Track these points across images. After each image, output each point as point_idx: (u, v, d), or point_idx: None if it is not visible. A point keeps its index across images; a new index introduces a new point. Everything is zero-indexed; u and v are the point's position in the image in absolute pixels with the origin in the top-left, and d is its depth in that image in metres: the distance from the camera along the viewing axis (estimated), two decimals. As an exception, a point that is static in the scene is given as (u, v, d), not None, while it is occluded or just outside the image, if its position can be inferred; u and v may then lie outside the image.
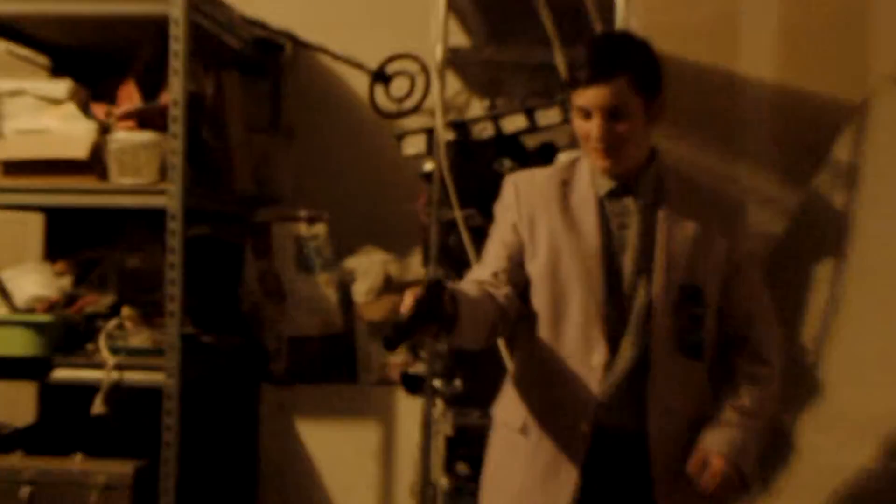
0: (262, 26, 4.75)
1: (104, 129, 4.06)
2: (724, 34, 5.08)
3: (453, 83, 4.90)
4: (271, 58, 4.96)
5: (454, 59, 4.10)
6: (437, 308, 2.74)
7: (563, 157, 3.33)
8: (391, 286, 4.61)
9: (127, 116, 4.08)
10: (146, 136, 4.00)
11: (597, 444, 3.11)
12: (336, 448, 4.55)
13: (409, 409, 4.41)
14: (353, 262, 4.72)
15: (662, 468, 3.09)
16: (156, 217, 4.02)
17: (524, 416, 3.20)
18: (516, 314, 3.19)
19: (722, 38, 5.08)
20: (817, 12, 5.01)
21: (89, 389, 3.99)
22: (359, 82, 4.97)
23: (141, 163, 3.98)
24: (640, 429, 3.09)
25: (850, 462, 4.08)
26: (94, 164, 4.03)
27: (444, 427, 4.06)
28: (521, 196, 3.24)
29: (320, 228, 4.65)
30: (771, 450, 4.16)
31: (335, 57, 4.93)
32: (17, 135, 4.09)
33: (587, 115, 3.03)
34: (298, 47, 5.05)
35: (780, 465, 4.25)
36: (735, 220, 3.21)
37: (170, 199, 3.96)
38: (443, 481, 4.09)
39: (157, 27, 3.99)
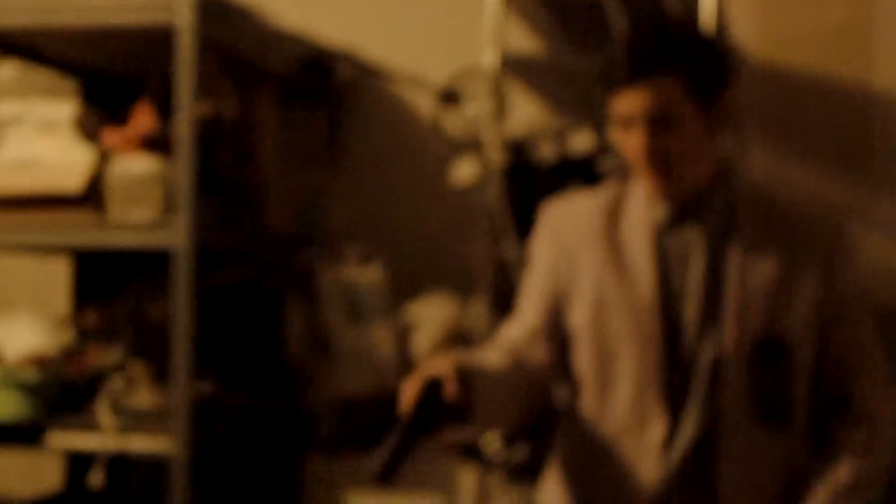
0: (309, 45, 4.26)
1: (105, 157, 3.61)
2: (855, 40, 4.47)
3: (533, 103, 4.38)
4: (326, 82, 4.46)
5: (516, 68, 3.55)
6: (435, 413, 2.32)
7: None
8: (457, 338, 4.09)
9: (129, 142, 3.62)
10: (150, 163, 3.55)
11: None
12: (391, 526, 4.02)
13: (473, 481, 3.83)
14: (414, 311, 4.21)
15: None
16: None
17: (567, 502, 2.69)
18: (555, 380, 2.70)
19: (853, 45, 4.47)
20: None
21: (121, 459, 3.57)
22: (426, 105, 4.43)
23: (143, 195, 3.53)
24: (711, 518, 2.54)
25: None
26: (91, 197, 3.57)
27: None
28: (559, 230, 2.77)
29: (374, 271, 4.16)
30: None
31: (391, 77, 4.43)
32: (5, 167, 3.66)
33: (629, 125, 2.54)
34: (356, 70, 4.57)
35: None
36: (833, 251, 2.66)
37: (176, 237, 3.49)
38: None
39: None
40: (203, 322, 3.85)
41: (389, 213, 4.61)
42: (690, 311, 2.60)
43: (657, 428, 2.57)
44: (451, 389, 2.32)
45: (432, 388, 2.31)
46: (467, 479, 3.77)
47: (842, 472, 2.56)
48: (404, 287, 4.30)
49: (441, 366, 2.36)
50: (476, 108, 4.20)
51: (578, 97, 4.24)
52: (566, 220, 2.74)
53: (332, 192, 4.51)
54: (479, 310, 4.06)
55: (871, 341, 2.68)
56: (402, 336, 4.17)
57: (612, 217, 2.69)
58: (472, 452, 3.64)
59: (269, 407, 4.03)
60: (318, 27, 4.36)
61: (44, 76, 4.28)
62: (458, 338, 4.10)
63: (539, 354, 2.66)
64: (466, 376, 2.36)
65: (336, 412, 4.05)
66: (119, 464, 3.64)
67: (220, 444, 3.81)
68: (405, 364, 4.14)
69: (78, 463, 4.23)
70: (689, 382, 2.58)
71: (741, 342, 2.56)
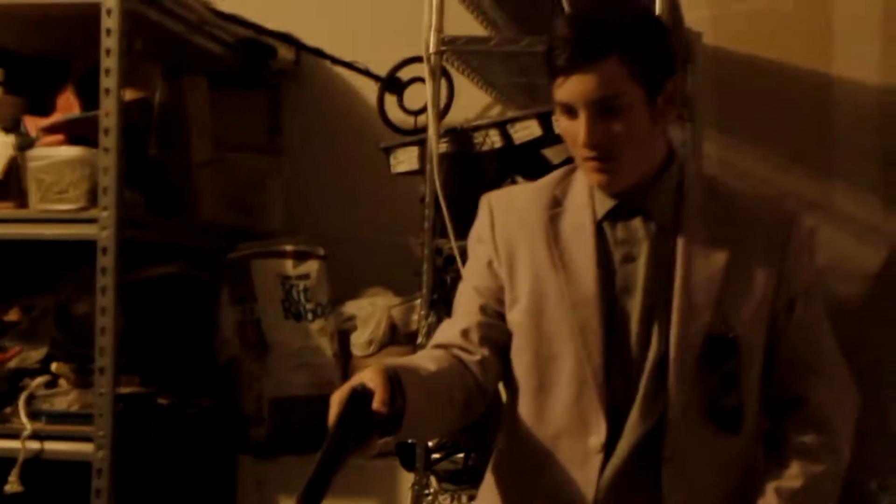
0: (248, 25, 4.11)
1: (25, 145, 3.46)
2: (814, 28, 4.36)
3: (479, 95, 4.24)
4: (265, 65, 4.31)
5: (454, 49, 3.41)
6: (363, 425, 2.11)
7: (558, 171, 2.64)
8: (397, 336, 3.95)
9: (53, 129, 3.47)
10: (72, 152, 3.41)
11: None
12: (327, 532, 3.86)
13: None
14: (354, 307, 4.08)
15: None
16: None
17: None
18: (497, 381, 2.54)
19: (812, 33, 4.35)
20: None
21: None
22: (369, 93, 4.28)
23: (66, 185, 3.37)
24: (655, 528, 2.40)
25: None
26: (11, 187, 3.43)
27: (437, 510, 3.40)
28: (498, 222, 2.59)
29: (312, 266, 4.01)
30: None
31: (336, 62, 4.29)
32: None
33: (572, 112, 2.36)
34: (299, 54, 4.42)
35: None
36: (786, 240, 2.48)
37: (101, 229, 3.35)
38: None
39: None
40: (130, 319, 3.72)
41: (330, 203, 4.46)
42: (635, 307, 2.43)
43: (598, 431, 2.40)
44: (379, 400, 2.12)
45: (359, 399, 2.16)
46: (405, 484, 3.61)
47: (794, 477, 2.41)
48: (343, 283, 4.16)
49: (370, 377, 2.20)
50: (419, 95, 4.08)
51: (522, 84, 4.13)
52: (505, 211, 2.59)
53: (270, 183, 4.35)
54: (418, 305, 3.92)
55: (826, 339, 2.53)
56: (343, 334, 4.03)
57: (554, 208, 2.54)
58: (409, 458, 3.49)
59: (200, 407, 3.88)
60: (257, 12, 4.21)
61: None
62: (400, 337, 3.97)
63: (475, 358, 2.51)
64: (398, 385, 2.18)
65: (272, 413, 3.90)
66: (41, 466, 3.49)
67: (147, 446, 3.65)
68: (345, 363, 4.00)
69: None
70: (633, 382, 2.42)
71: (688, 339, 2.39)
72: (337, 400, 2.12)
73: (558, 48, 2.32)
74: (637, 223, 2.46)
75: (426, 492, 3.39)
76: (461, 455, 3.43)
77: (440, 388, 2.35)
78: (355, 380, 2.17)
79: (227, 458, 3.93)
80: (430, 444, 3.40)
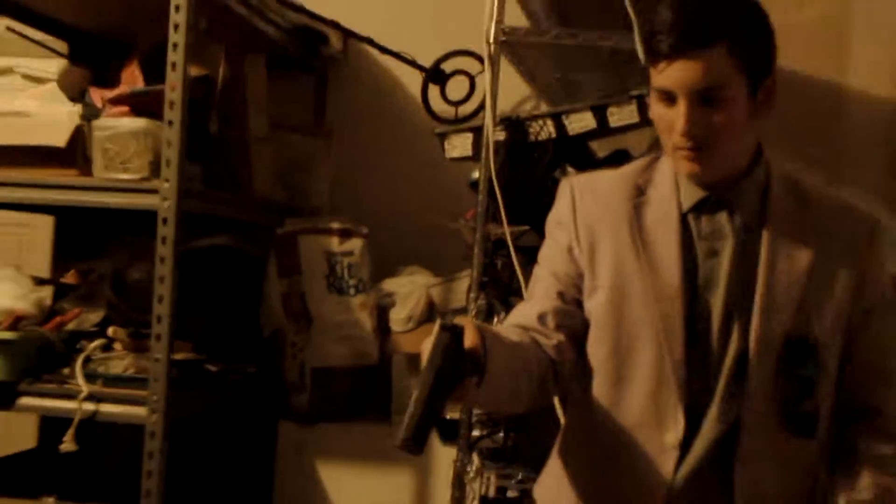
0: (303, 11, 3.72)
1: (91, 115, 3.06)
2: (830, 41, 4.01)
3: (517, 87, 3.85)
4: (316, 51, 3.91)
5: (511, 40, 3.04)
6: (458, 364, 1.81)
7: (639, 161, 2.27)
8: (434, 314, 3.57)
9: (119, 101, 3.09)
10: (137, 123, 3.02)
11: None
12: (362, 498, 3.50)
13: (447, 459, 3.28)
14: (393, 285, 3.72)
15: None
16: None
17: (570, 501, 2.18)
18: (572, 368, 2.17)
19: (827, 46, 4.00)
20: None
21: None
22: (413, 81, 3.89)
23: (130, 155, 2.98)
24: (724, 526, 2.04)
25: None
26: (76, 154, 3.03)
27: (478, 487, 3.01)
28: (580, 209, 2.22)
29: (356, 244, 3.64)
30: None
31: (384, 51, 3.90)
32: (-8, 117, 3.11)
33: (670, 99, 2.00)
34: (346, 42, 4.03)
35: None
36: (868, 247, 2.13)
37: (162, 200, 2.97)
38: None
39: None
40: (184, 286, 3.34)
41: (373, 185, 4.09)
42: (716, 303, 2.08)
43: (675, 426, 2.05)
44: (470, 336, 1.82)
45: (453, 332, 1.81)
46: (445, 458, 3.23)
47: (865, 489, 2.05)
48: (384, 261, 3.79)
49: (461, 320, 1.86)
50: (461, 86, 3.70)
51: (560, 79, 3.77)
52: (588, 197, 2.21)
53: (318, 163, 3.95)
54: (460, 287, 3.55)
55: None
56: (382, 309, 3.66)
57: (638, 198, 2.17)
58: (450, 433, 3.11)
59: (245, 374, 3.50)
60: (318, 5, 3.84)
61: (33, 34, 3.71)
62: (437, 314, 3.59)
63: (552, 342, 2.13)
64: (485, 336, 1.87)
65: (313, 382, 3.52)
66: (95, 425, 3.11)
67: (196, 411, 3.27)
68: (383, 337, 3.62)
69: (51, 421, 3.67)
70: (712, 379, 2.07)
71: (768, 339, 2.04)
72: (427, 341, 1.81)
73: (662, 32, 1.97)
74: (723, 218, 2.11)
75: (468, 469, 3.01)
76: (501, 434, 3.05)
77: (519, 357, 2.03)
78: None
79: (270, 423, 3.56)
80: (472, 421, 3.04)
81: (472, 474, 3.01)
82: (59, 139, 3.01)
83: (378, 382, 3.62)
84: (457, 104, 3.75)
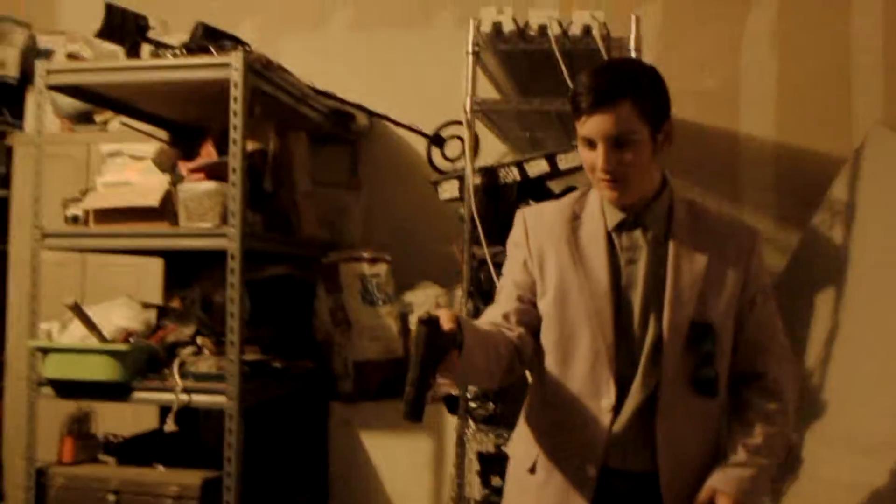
0: (335, 98, 3.61)
1: (176, 181, 2.97)
2: (727, 98, 3.90)
3: (496, 145, 3.73)
4: (347, 127, 3.81)
5: (483, 109, 2.95)
6: (439, 344, 1.73)
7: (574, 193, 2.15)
8: (443, 316, 3.44)
9: (197, 170, 3.00)
10: (210, 185, 2.93)
11: (605, 487, 1.96)
12: (395, 459, 3.39)
13: (453, 426, 3.11)
14: (411, 296, 3.61)
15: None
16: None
17: (534, 454, 2.06)
18: (531, 353, 2.05)
19: (725, 102, 3.89)
20: (809, 78, 3.82)
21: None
22: (421, 145, 3.76)
23: (205, 209, 2.90)
24: (652, 470, 1.94)
25: (854, 479, 2.79)
26: (166, 211, 2.96)
27: (475, 444, 2.89)
28: (531, 231, 2.10)
29: (382, 267, 3.52)
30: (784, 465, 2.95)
31: (397, 124, 3.80)
32: (104, 187, 3.02)
33: (592, 144, 1.91)
34: (371, 119, 3.92)
35: (787, 474, 2.97)
36: (750, 251, 2.03)
37: (229, 242, 2.87)
38: (476, 495, 2.91)
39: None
40: (255, 305, 3.25)
41: (394, 223, 3.96)
42: (637, 299, 1.96)
43: (608, 394, 1.93)
44: (447, 320, 1.75)
45: (429, 323, 1.72)
46: (452, 425, 3.09)
47: (756, 436, 1.95)
48: (404, 279, 3.66)
49: (438, 311, 1.78)
50: (456, 146, 3.57)
51: (527, 137, 3.65)
52: (536, 222, 2.10)
53: (352, 209, 3.85)
54: (459, 295, 3.41)
55: (777, 327, 2.05)
56: (404, 315, 3.54)
57: (575, 221, 2.05)
58: (453, 406, 2.98)
59: (304, 369, 3.38)
60: (339, 88, 3.71)
61: (142, 126, 3.63)
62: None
63: (515, 334, 2.02)
64: (460, 321, 1.79)
65: (354, 371, 3.40)
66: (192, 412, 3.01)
67: (265, 398, 3.15)
68: (405, 335, 3.50)
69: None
70: (636, 357, 1.95)
71: (677, 324, 1.93)
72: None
73: (583, 94, 1.88)
74: (638, 234, 2.00)
75: (466, 432, 2.88)
76: (491, 404, 2.92)
77: (491, 341, 1.93)
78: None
79: (323, 405, 3.43)
80: (468, 395, 2.91)
81: (469, 436, 2.88)
82: (154, 200, 2.92)
83: (403, 370, 3.48)
84: (453, 160, 3.62)
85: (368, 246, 3.64)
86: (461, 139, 3.56)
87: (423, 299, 3.54)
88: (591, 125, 1.89)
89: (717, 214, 2.10)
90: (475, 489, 2.97)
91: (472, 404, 2.92)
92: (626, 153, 1.88)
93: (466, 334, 1.81)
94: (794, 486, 2.94)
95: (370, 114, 3.81)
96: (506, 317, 2.05)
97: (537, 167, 2.85)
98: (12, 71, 4.06)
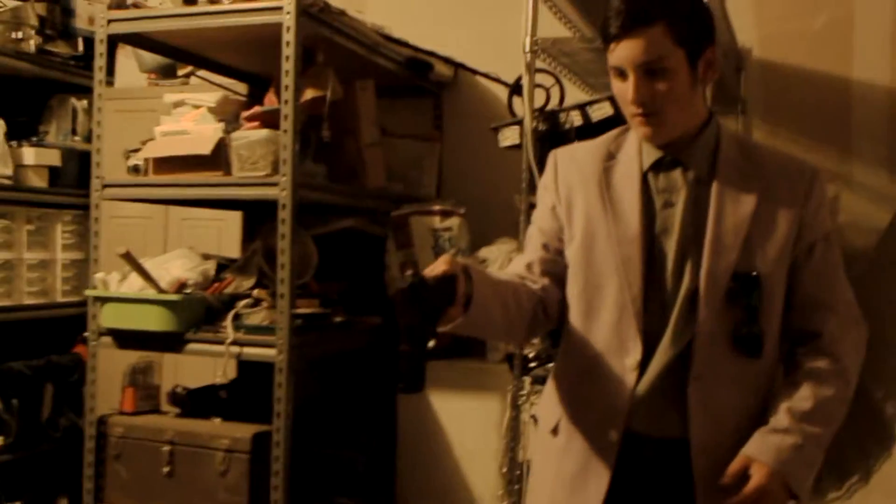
0: (408, 46, 3.45)
1: (231, 130, 2.87)
2: (838, 40, 3.53)
3: (578, 93, 3.49)
4: (426, 77, 3.64)
5: (543, 48, 2.72)
6: (428, 305, 1.58)
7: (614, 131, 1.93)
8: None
9: (251, 118, 2.90)
10: (261, 133, 2.83)
11: (629, 454, 1.76)
12: (464, 418, 3.22)
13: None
14: (486, 252, 3.40)
15: (708, 483, 1.71)
16: (304, 209, 2.84)
17: (557, 415, 1.88)
18: (558, 306, 1.86)
19: (837, 45, 3.53)
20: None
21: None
22: (504, 95, 3.56)
23: (257, 157, 2.79)
24: (682, 436, 1.72)
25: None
26: (220, 159, 2.87)
27: (528, 406, 2.70)
28: (560, 174, 1.91)
29: (455, 221, 3.35)
30: (870, 434, 2.65)
31: (476, 73, 3.63)
32: (162, 136, 2.95)
33: (623, 75, 1.71)
34: (456, 69, 3.74)
35: (880, 452, 2.68)
36: (808, 192, 1.78)
37: (280, 191, 2.75)
38: (528, 457, 2.73)
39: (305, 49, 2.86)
40: (325, 259, 3.14)
41: (474, 176, 3.77)
42: (672, 246, 1.75)
43: (634, 353, 1.73)
44: (441, 263, 1.61)
45: (412, 290, 1.55)
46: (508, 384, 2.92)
47: (804, 399, 1.70)
48: (482, 233, 3.46)
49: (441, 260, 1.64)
50: (540, 96, 3.35)
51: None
52: (567, 163, 1.91)
53: (428, 161, 3.69)
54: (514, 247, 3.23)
55: (840, 281, 1.80)
56: (477, 270, 3.36)
57: (608, 161, 1.85)
58: (512, 366, 2.81)
59: (370, 324, 3.25)
60: (416, 38, 3.55)
61: (219, 79, 3.57)
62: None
63: (538, 285, 1.83)
64: (469, 270, 1.65)
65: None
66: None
67: (327, 352, 3.05)
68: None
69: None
70: (667, 311, 1.73)
71: (716, 275, 1.71)
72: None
73: (612, 18, 1.69)
74: (677, 174, 1.78)
75: (521, 392, 2.70)
76: (550, 364, 2.73)
77: (509, 292, 1.76)
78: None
79: (392, 361, 3.28)
80: (528, 354, 2.73)
81: (524, 397, 2.70)
82: (206, 148, 2.83)
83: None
84: (537, 110, 3.41)
85: (446, 200, 3.48)
86: (545, 88, 3.37)
87: (498, 254, 3.35)
88: (621, 51, 1.69)
89: (772, 152, 1.86)
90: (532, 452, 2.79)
91: (531, 364, 2.73)
92: (659, 83, 1.67)
93: (477, 285, 1.65)
94: (888, 463, 2.65)
95: (448, 62, 3.63)
96: (529, 267, 1.87)
97: (601, 111, 2.62)
98: (102, 26, 4.07)
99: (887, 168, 3.45)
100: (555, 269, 1.86)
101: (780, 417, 1.69)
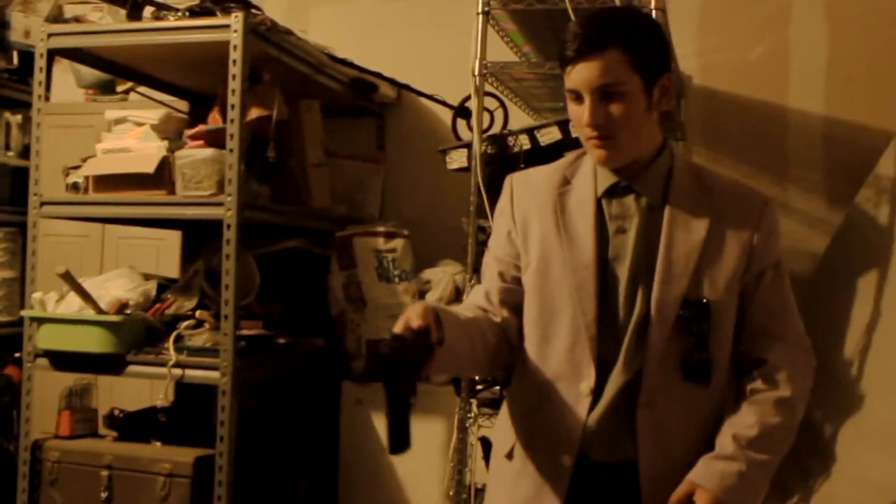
0: (354, 67, 3.45)
1: (175, 148, 2.83)
2: (775, 71, 3.62)
3: (527, 120, 3.51)
4: (370, 98, 3.64)
5: (492, 72, 2.73)
6: (411, 365, 1.59)
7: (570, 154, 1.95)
8: (460, 296, 3.26)
9: (196, 136, 2.86)
10: (206, 152, 2.80)
11: (582, 480, 1.75)
12: (406, 441, 3.18)
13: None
14: (430, 274, 3.41)
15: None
16: (247, 229, 2.80)
17: (511, 440, 1.87)
18: (517, 334, 1.87)
19: (774, 75, 3.62)
20: (861, 50, 3.51)
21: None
22: (448, 117, 3.57)
23: (202, 177, 2.76)
24: (634, 461, 1.73)
25: (888, 480, 2.53)
26: (163, 178, 2.83)
27: (476, 430, 2.70)
28: (516, 199, 1.91)
29: (399, 243, 3.34)
30: (811, 455, 2.70)
31: (420, 94, 3.63)
32: (104, 154, 2.90)
33: (579, 98, 1.71)
34: (399, 91, 3.74)
35: (820, 472, 2.72)
36: (758, 220, 1.79)
37: (226, 211, 2.73)
38: (480, 482, 2.73)
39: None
40: (268, 280, 3.10)
41: (418, 198, 3.79)
42: (623, 272, 1.75)
43: (588, 379, 1.73)
44: (416, 316, 1.64)
45: (398, 353, 1.57)
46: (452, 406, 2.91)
47: (750, 427, 1.70)
48: (426, 255, 3.48)
49: (413, 312, 1.66)
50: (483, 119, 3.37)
51: (560, 108, 3.42)
52: (523, 189, 1.91)
53: (372, 183, 3.67)
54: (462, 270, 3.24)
55: (789, 309, 1.81)
56: (422, 293, 3.35)
57: (563, 186, 1.85)
58: (457, 389, 2.80)
59: (314, 346, 3.24)
60: (361, 58, 3.54)
61: (160, 96, 3.51)
62: (461, 295, 3.28)
63: (497, 316, 1.84)
64: (438, 312, 1.66)
65: (368, 350, 3.24)
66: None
67: (270, 375, 3.02)
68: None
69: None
70: (619, 337, 1.74)
71: (667, 302, 1.71)
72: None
73: (569, 41, 1.69)
74: (630, 200, 1.79)
75: (469, 415, 2.70)
76: (497, 387, 2.73)
77: (475, 328, 1.76)
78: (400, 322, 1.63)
79: (335, 383, 3.28)
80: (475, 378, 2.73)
81: (471, 420, 2.70)
82: (149, 167, 2.79)
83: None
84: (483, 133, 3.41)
85: (390, 221, 3.47)
86: (489, 111, 3.38)
87: (442, 276, 3.36)
88: (577, 74, 1.69)
89: (726, 180, 1.87)
90: (480, 475, 2.79)
91: (478, 386, 2.73)
92: (615, 107, 1.68)
93: (447, 329, 1.65)
94: (826, 484, 2.70)
95: (392, 83, 3.63)
96: (487, 296, 1.87)
97: (549, 135, 2.65)
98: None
99: (822, 194, 3.55)
100: (512, 298, 1.86)
101: (726, 444, 1.70)
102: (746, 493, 1.68)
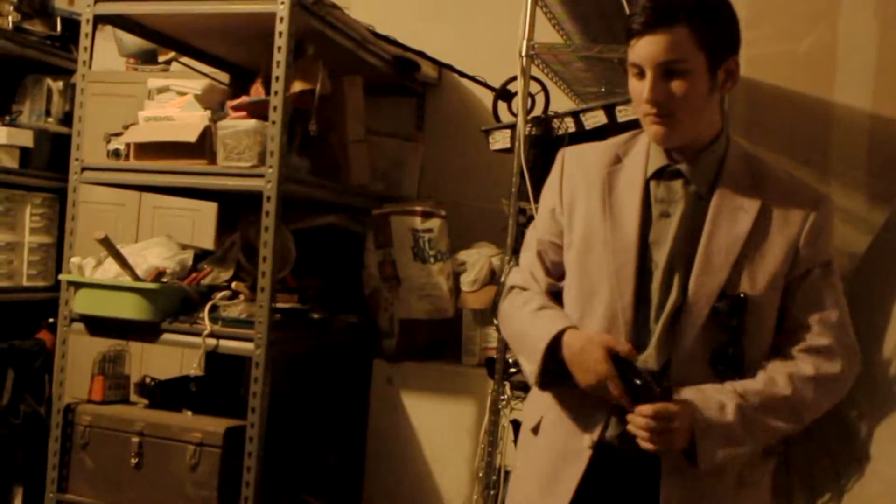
0: (396, 44, 3.43)
1: (217, 119, 2.83)
2: (823, 64, 3.55)
3: (563, 101, 3.49)
4: (412, 77, 3.62)
5: (538, 53, 2.70)
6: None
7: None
8: (495, 278, 3.25)
9: (238, 108, 2.87)
10: (249, 124, 2.79)
11: (601, 462, 1.77)
12: (436, 422, 3.21)
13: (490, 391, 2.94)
14: (465, 255, 3.39)
15: (674, 499, 1.72)
16: (285, 203, 2.79)
17: (539, 415, 1.89)
18: None
19: (821, 68, 3.55)
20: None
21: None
22: (489, 99, 3.54)
23: (243, 148, 2.76)
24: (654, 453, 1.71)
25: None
26: (205, 148, 2.83)
27: (508, 412, 2.69)
28: (566, 175, 1.91)
29: (436, 223, 3.34)
30: (844, 454, 2.67)
31: (462, 75, 3.62)
32: (146, 122, 2.90)
33: (641, 73, 1.71)
34: (441, 71, 3.73)
35: (854, 472, 2.69)
36: (809, 218, 1.75)
37: (266, 183, 2.72)
38: (506, 462, 2.72)
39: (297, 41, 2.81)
40: (304, 255, 3.11)
41: (455, 179, 3.77)
42: (661, 258, 1.74)
43: None
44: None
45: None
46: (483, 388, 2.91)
47: (757, 382, 1.71)
48: (461, 237, 3.47)
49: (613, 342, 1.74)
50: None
51: (602, 93, 3.40)
52: (575, 165, 1.90)
53: (410, 161, 3.66)
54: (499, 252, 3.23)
55: (834, 311, 1.76)
56: (457, 274, 3.34)
57: (614, 165, 1.85)
58: (491, 371, 2.78)
59: (347, 322, 3.24)
60: (402, 37, 3.53)
61: (201, 67, 3.51)
62: (496, 277, 3.26)
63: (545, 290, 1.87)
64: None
65: (400, 329, 3.24)
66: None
67: (303, 349, 3.02)
68: (457, 295, 3.31)
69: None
70: (653, 323, 1.73)
71: (702, 293, 1.70)
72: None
73: (637, 13, 1.68)
74: (678, 185, 1.78)
75: (502, 397, 2.69)
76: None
77: None
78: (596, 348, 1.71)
79: (366, 360, 3.27)
80: (508, 359, 2.71)
81: (504, 402, 2.69)
82: (191, 136, 2.79)
83: (450, 331, 3.32)
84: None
85: (427, 201, 3.46)
86: (531, 94, 3.36)
87: (478, 258, 3.34)
88: (641, 48, 1.68)
89: (781, 172, 1.83)
90: (510, 458, 2.78)
91: (512, 369, 2.72)
92: (676, 85, 1.67)
93: None
94: (859, 484, 2.67)
95: (434, 62, 3.62)
96: (534, 277, 1.90)
97: (594, 118, 2.63)
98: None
99: (864, 192, 3.51)
100: (554, 279, 1.86)
101: (725, 386, 1.69)
102: (719, 429, 1.66)
